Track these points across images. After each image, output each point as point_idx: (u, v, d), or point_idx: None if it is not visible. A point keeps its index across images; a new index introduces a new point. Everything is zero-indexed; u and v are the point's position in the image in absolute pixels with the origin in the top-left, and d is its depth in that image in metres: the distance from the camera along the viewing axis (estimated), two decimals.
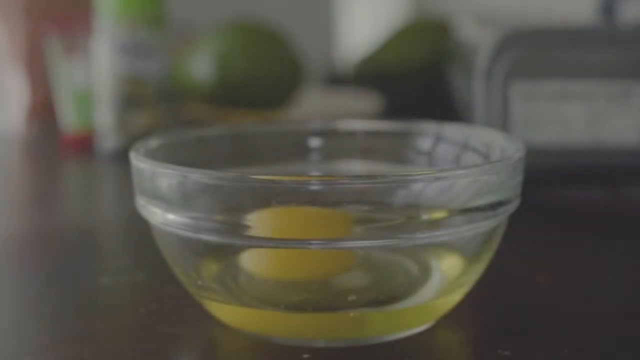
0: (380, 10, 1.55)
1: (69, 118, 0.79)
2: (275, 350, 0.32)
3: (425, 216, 0.30)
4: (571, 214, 0.52)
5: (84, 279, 0.41)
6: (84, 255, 0.47)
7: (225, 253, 0.33)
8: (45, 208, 0.59)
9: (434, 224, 0.30)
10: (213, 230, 0.30)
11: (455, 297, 0.33)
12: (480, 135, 0.38)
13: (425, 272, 0.34)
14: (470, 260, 0.33)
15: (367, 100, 0.91)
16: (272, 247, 0.30)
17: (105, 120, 0.73)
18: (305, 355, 0.31)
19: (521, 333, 0.33)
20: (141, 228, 0.35)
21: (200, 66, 0.82)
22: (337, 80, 1.12)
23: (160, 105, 0.74)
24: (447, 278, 0.33)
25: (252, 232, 0.30)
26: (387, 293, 0.33)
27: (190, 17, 1.00)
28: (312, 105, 0.90)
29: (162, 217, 0.32)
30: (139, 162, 0.33)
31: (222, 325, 0.34)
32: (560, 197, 0.55)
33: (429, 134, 0.40)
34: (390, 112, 0.89)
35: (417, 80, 0.91)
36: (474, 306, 0.35)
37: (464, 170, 0.30)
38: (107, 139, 0.73)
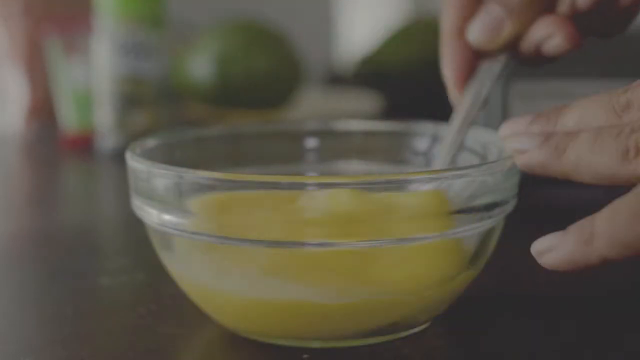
0: (380, 10, 1.55)
1: (68, 118, 0.79)
2: (275, 350, 0.32)
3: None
4: (571, 214, 0.52)
5: (83, 279, 0.41)
6: (84, 255, 0.47)
7: None
8: (45, 208, 0.60)
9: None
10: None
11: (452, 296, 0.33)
12: (477, 135, 0.38)
13: None
14: (467, 261, 0.33)
15: (367, 100, 0.91)
16: (266, 247, 0.30)
17: (105, 120, 0.74)
18: (305, 356, 0.31)
19: (521, 333, 0.33)
20: (141, 228, 0.35)
21: (200, 66, 0.82)
22: (336, 80, 1.12)
23: (160, 105, 0.74)
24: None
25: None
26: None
27: (190, 17, 1.00)
28: (312, 105, 0.90)
29: (157, 218, 0.32)
30: (134, 162, 0.33)
31: (222, 325, 0.34)
32: (560, 197, 0.55)
33: (426, 135, 0.40)
34: (390, 112, 0.89)
35: (417, 80, 0.91)
36: (473, 306, 0.36)
37: (460, 171, 0.30)
38: (107, 139, 0.73)
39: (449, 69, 0.37)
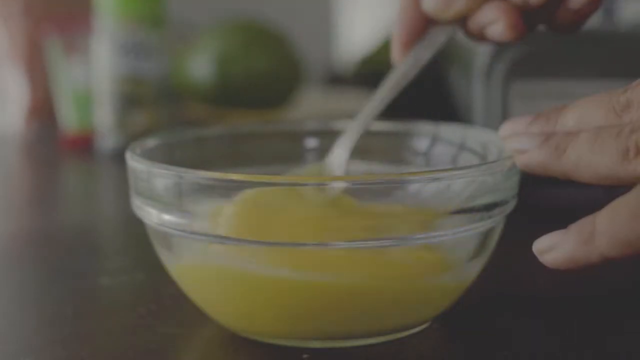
0: (380, 10, 1.55)
1: (68, 118, 0.79)
2: (275, 350, 0.32)
3: (421, 217, 0.30)
4: (571, 213, 0.52)
5: (83, 279, 0.41)
6: (84, 255, 0.47)
7: None
8: (45, 208, 0.60)
9: (430, 225, 0.30)
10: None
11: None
12: (477, 135, 0.38)
13: None
14: (467, 261, 0.33)
15: (367, 100, 0.91)
16: (267, 247, 0.30)
17: (105, 120, 0.74)
18: (305, 356, 0.31)
19: (521, 333, 0.33)
20: (140, 228, 0.35)
21: (200, 66, 0.82)
22: (336, 80, 1.12)
23: (160, 105, 0.74)
24: None
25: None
26: None
27: (190, 17, 1.00)
28: (312, 105, 0.90)
29: (157, 218, 0.32)
30: (134, 162, 0.33)
31: (222, 325, 0.34)
32: (560, 197, 0.55)
33: (425, 135, 0.41)
34: (390, 112, 0.89)
35: (417, 80, 0.91)
36: (473, 306, 0.36)
37: (460, 171, 0.30)
38: (107, 139, 0.73)
39: (399, 28, 0.39)
